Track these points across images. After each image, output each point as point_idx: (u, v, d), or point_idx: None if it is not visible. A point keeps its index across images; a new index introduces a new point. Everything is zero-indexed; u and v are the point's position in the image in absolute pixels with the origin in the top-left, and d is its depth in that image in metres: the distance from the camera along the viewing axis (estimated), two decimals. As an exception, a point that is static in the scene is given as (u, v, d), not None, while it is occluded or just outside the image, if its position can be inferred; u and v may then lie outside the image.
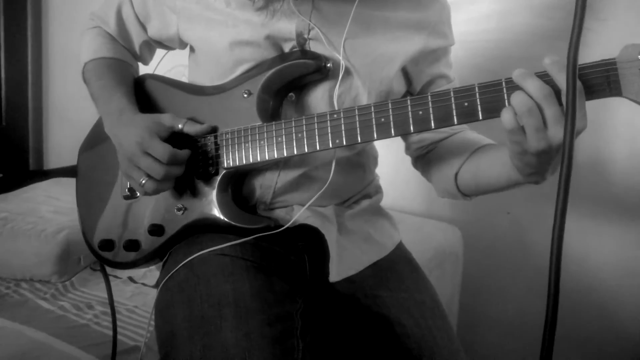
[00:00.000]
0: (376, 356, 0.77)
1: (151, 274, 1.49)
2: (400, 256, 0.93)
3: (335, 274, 0.82)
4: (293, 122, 0.80)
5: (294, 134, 0.79)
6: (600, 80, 0.64)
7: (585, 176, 1.30)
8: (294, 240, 0.86)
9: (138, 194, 0.91)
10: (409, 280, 0.87)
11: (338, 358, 0.78)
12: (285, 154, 0.80)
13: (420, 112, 0.72)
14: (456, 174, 0.85)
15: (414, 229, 1.38)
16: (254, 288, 0.71)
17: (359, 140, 0.76)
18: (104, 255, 0.93)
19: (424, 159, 0.95)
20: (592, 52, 1.27)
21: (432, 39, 0.86)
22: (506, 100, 0.67)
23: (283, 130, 0.80)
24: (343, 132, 0.76)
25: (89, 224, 0.95)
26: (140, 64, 1.02)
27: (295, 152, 0.79)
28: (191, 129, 0.83)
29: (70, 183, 1.94)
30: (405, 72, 0.88)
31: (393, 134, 0.74)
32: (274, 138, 0.81)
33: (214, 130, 0.86)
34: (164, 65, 1.07)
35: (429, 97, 0.71)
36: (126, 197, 0.92)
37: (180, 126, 0.83)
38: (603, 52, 1.27)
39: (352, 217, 0.92)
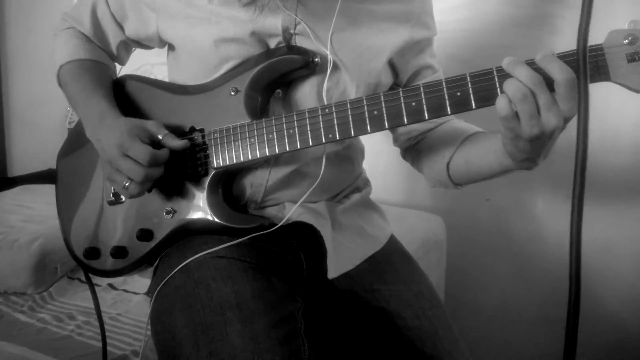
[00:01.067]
0: (379, 350, 0.77)
1: (132, 280, 1.45)
2: (394, 248, 0.93)
3: (333, 270, 0.82)
4: (284, 118, 0.79)
5: (285, 131, 0.78)
6: (589, 66, 0.65)
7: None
8: (288, 238, 0.85)
9: (123, 199, 0.88)
10: (405, 272, 0.88)
11: (342, 355, 0.78)
12: (277, 151, 0.79)
13: (414, 104, 0.72)
14: (448, 164, 0.86)
15: (398, 220, 1.38)
16: (255, 289, 0.70)
17: (352, 134, 0.75)
18: (90, 264, 0.89)
19: (414, 150, 0.95)
20: (565, 39, 1.31)
21: (416, 30, 0.86)
22: (498, 89, 0.67)
23: (274, 127, 0.79)
24: (336, 126, 0.76)
25: (72, 232, 0.91)
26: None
27: (288, 149, 0.78)
28: (170, 142, 0.80)
29: (40, 190, 1.89)
30: (391, 65, 0.88)
31: (387, 126, 0.74)
32: (265, 135, 0.79)
33: (201, 130, 0.83)
34: (130, 64, 1.03)
35: (422, 88, 0.72)
36: (111, 203, 0.89)
37: (160, 137, 0.80)
38: (574, 38, 1.31)
39: (344, 212, 0.91)
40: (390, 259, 0.90)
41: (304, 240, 0.86)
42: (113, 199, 0.88)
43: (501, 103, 0.64)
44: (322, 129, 0.77)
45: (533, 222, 1.43)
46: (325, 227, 0.84)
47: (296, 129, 0.78)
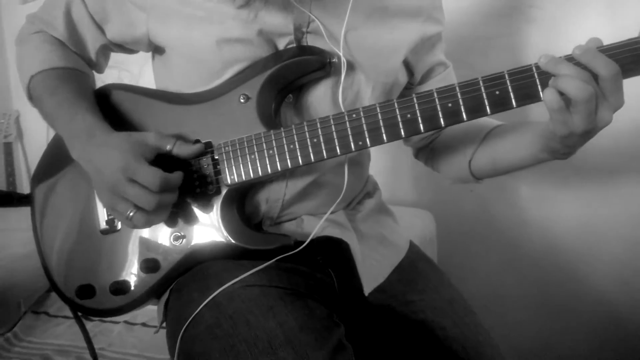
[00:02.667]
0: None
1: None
2: (416, 254, 0.89)
3: (366, 285, 0.77)
4: (306, 126, 0.72)
5: (308, 140, 0.71)
6: (631, 59, 0.63)
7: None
8: (313, 255, 0.78)
9: (119, 226, 0.77)
10: (434, 278, 0.84)
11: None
12: (300, 163, 0.72)
13: (450, 105, 0.68)
14: (470, 161, 0.83)
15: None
16: (298, 319, 0.63)
17: (385, 140, 0.70)
18: (84, 304, 0.78)
19: (428, 149, 0.92)
20: (542, 28, 1.33)
21: (428, 26, 0.82)
22: (539, 86, 0.65)
23: (295, 136, 0.72)
24: (366, 132, 0.70)
25: (59, 268, 0.80)
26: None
27: (313, 160, 0.71)
28: (183, 150, 0.72)
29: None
30: (406, 63, 0.83)
31: (422, 130, 0.69)
32: (285, 146, 0.72)
33: (208, 144, 0.75)
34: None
35: (457, 87, 0.67)
36: (105, 232, 0.78)
37: (168, 147, 0.71)
38: (551, 26, 1.32)
39: (363, 221, 0.86)
40: (416, 265, 0.85)
41: (330, 255, 0.80)
42: (107, 227, 0.78)
43: (554, 103, 0.60)
44: (350, 136, 0.70)
45: (518, 209, 1.44)
46: (352, 239, 0.79)
47: (321, 137, 0.71)
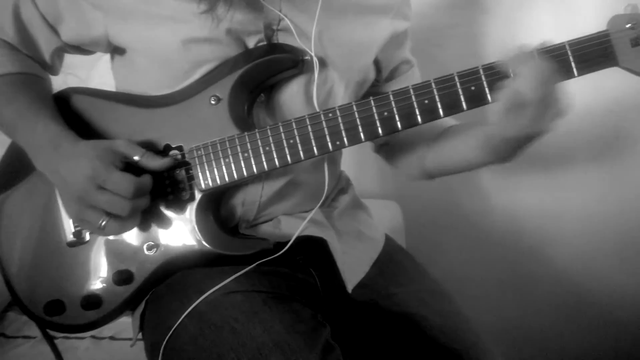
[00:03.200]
0: (411, 355, 0.73)
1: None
2: (392, 247, 0.90)
3: (348, 282, 0.76)
4: (281, 127, 0.70)
5: (284, 141, 0.70)
6: (598, 53, 0.65)
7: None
8: (292, 255, 0.77)
9: (87, 238, 0.74)
10: (412, 270, 0.85)
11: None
12: (277, 165, 0.70)
13: (426, 102, 0.68)
14: (423, 160, 0.84)
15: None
16: (285, 323, 0.62)
17: (363, 139, 0.69)
18: (53, 320, 0.74)
19: (388, 147, 0.92)
20: (496, 17, 1.35)
21: (397, 22, 0.82)
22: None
23: (270, 137, 0.70)
24: (343, 131, 0.69)
25: (23, 285, 0.75)
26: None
27: (290, 161, 0.70)
28: (151, 163, 0.68)
29: None
30: (375, 60, 0.83)
31: (400, 128, 0.69)
32: (261, 148, 0.70)
33: (179, 148, 0.72)
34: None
35: (433, 84, 0.67)
36: (72, 244, 0.74)
37: (136, 158, 0.68)
38: (507, 16, 1.35)
39: (339, 217, 0.86)
40: (394, 258, 0.86)
41: (309, 255, 0.79)
42: (74, 239, 0.74)
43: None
44: (327, 136, 0.69)
45: (481, 197, 1.48)
46: (332, 237, 0.78)
47: (297, 137, 0.70)
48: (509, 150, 0.67)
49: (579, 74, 0.65)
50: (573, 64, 0.64)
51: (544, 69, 0.59)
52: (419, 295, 0.79)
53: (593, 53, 0.65)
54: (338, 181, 0.93)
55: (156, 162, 0.68)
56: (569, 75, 0.64)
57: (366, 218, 0.92)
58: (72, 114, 0.75)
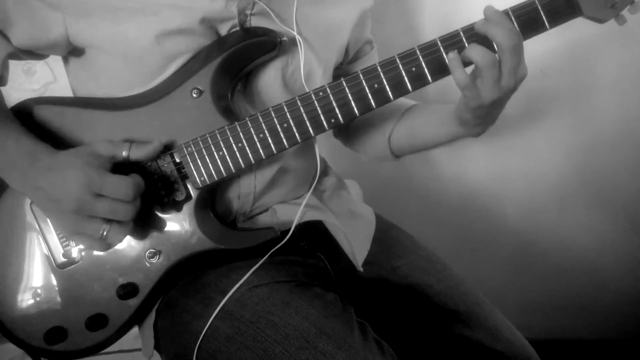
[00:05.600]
0: (424, 324, 0.76)
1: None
2: (383, 222, 0.91)
3: (357, 259, 0.77)
4: (272, 112, 0.68)
5: (277, 126, 0.68)
6: (562, 5, 0.69)
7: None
8: (297, 242, 0.76)
9: (78, 260, 0.68)
10: (407, 241, 0.87)
11: (398, 340, 0.74)
12: (274, 151, 0.69)
13: (414, 69, 0.69)
14: (389, 137, 0.85)
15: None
16: (317, 308, 0.62)
17: (357, 114, 0.69)
18: (54, 349, 0.69)
19: (349, 129, 0.92)
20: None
21: (364, 0, 0.81)
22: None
23: (263, 124, 0.68)
24: (336, 108, 0.69)
25: (16, 318, 0.69)
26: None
27: (287, 145, 0.69)
28: (141, 152, 0.65)
29: None
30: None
31: (392, 98, 0.69)
32: (255, 136, 0.68)
33: (168, 147, 0.68)
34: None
35: (418, 51, 0.68)
36: (62, 266, 0.69)
37: (124, 153, 0.64)
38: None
39: (330, 199, 0.86)
40: (389, 233, 0.88)
41: (312, 240, 0.79)
42: (65, 259, 0.69)
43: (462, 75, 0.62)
44: (321, 115, 0.69)
45: (432, 164, 1.52)
46: (332, 218, 0.78)
47: (291, 121, 0.68)
48: (482, 117, 0.68)
49: (550, 27, 0.69)
50: (544, 18, 0.68)
51: (517, 31, 0.61)
52: (420, 265, 0.82)
53: (560, 6, 0.68)
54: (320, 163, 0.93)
55: (146, 149, 0.64)
56: (541, 28, 0.68)
57: (351, 197, 0.93)
58: (37, 127, 0.68)
